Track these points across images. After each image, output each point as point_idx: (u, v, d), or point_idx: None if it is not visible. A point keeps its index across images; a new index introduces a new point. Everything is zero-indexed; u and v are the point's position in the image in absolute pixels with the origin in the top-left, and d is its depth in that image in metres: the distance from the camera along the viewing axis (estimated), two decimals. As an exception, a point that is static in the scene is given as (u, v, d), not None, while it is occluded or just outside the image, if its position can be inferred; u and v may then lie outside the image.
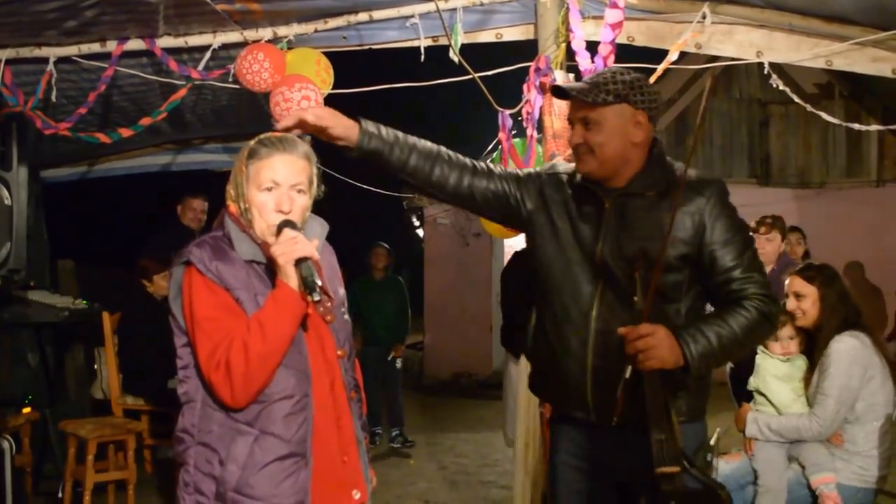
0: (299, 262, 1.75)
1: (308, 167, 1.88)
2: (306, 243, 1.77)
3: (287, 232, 1.78)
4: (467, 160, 2.13)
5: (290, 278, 1.76)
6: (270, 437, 1.77)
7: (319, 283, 1.76)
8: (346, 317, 2.00)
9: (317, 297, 1.74)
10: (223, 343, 1.74)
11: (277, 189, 1.83)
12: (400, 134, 2.06)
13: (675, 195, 1.92)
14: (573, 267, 2.04)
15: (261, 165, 1.83)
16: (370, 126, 2.00)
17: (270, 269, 1.82)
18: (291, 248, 1.75)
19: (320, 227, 1.96)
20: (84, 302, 4.65)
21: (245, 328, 1.74)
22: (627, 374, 1.89)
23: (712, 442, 1.99)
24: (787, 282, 3.27)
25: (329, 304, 1.89)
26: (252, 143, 1.87)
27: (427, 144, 2.09)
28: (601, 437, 2.06)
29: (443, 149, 2.11)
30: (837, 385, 2.99)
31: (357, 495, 1.91)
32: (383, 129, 2.03)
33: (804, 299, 3.16)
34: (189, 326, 1.80)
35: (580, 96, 1.97)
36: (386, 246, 6.65)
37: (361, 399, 2.05)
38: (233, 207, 1.88)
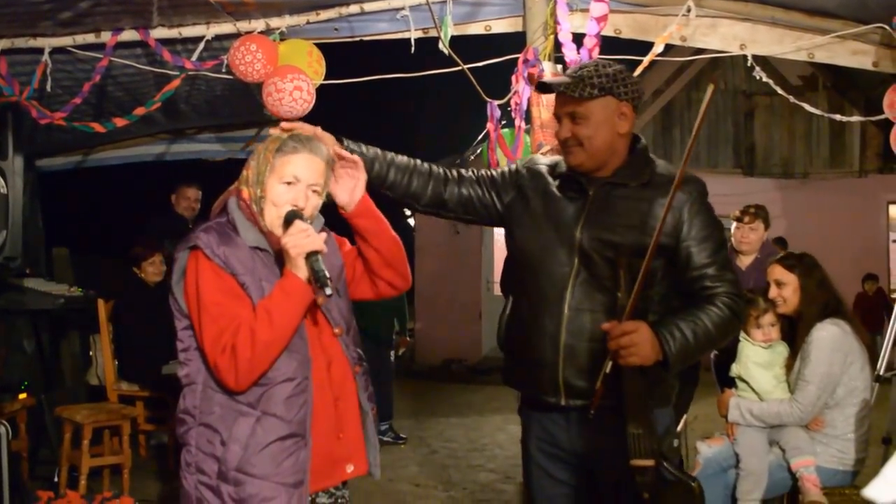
0: (309, 256, 1.80)
1: (326, 172, 1.94)
2: (316, 237, 1.82)
3: (298, 224, 1.82)
4: (441, 170, 2.20)
5: (300, 269, 1.80)
6: (272, 418, 1.81)
7: (330, 276, 1.80)
8: (339, 293, 2.00)
9: (329, 292, 1.79)
10: (230, 328, 1.77)
11: (297, 185, 1.88)
12: (378, 150, 2.14)
13: (669, 194, 1.93)
14: (550, 249, 2.08)
15: (286, 160, 1.88)
16: (352, 146, 2.07)
17: (274, 256, 1.87)
18: (303, 240, 1.79)
19: (318, 221, 1.98)
20: (79, 289, 4.69)
21: (251, 314, 1.78)
22: (608, 369, 1.92)
23: (679, 428, 2.04)
24: (767, 270, 3.34)
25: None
26: (283, 136, 1.92)
27: (403, 158, 2.18)
28: (571, 422, 2.09)
29: (418, 161, 2.20)
30: (819, 372, 3.05)
31: (350, 468, 1.96)
32: (363, 147, 2.10)
33: (785, 287, 3.22)
34: (194, 310, 1.83)
35: (567, 91, 2.02)
36: None
37: (367, 371, 2.07)
38: (245, 192, 1.91)
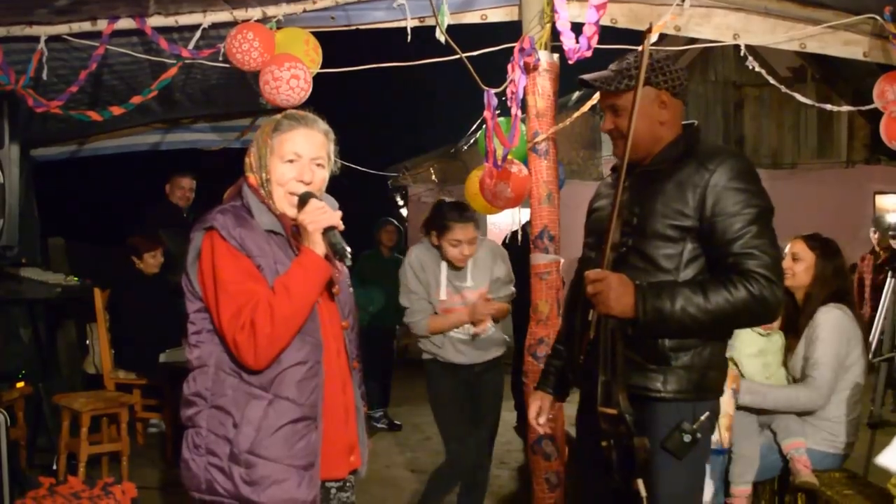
0: (326, 231, 1.84)
1: (327, 143, 1.97)
2: (332, 213, 1.86)
3: (314, 202, 1.86)
4: None
5: (317, 245, 1.84)
6: (284, 401, 1.83)
7: (349, 249, 1.84)
8: (351, 290, 2.08)
9: (349, 263, 1.85)
10: (248, 304, 1.79)
11: (299, 161, 1.91)
12: None
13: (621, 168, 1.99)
14: (589, 239, 2.22)
15: (284, 138, 1.91)
16: None
17: (288, 240, 1.90)
18: (320, 216, 1.83)
19: (330, 204, 2.01)
20: (75, 279, 4.68)
21: (269, 292, 1.80)
22: (590, 317, 1.99)
23: (695, 426, 1.97)
24: (788, 244, 3.29)
25: (337, 276, 1.98)
26: (277, 116, 1.95)
27: None
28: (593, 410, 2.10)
29: None
30: (830, 353, 3.06)
31: (352, 459, 2.01)
32: None
33: (799, 262, 3.22)
34: (210, 290, 1.84)
35: (604, 86, 2.06)
36: (395, 223, 6.42)
37: (361, 370, 2.12)
38: (252, 178, 1.94)
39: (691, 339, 1.99)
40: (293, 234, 1.90)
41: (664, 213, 1.99)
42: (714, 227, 1.95)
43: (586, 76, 2.14)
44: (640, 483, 1.90)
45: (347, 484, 2.04)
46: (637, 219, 2.02)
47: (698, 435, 1.97)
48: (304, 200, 1.88)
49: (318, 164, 1.95)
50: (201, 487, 1.86)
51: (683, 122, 2.14)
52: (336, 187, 2.08)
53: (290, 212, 1.91)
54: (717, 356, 2.05)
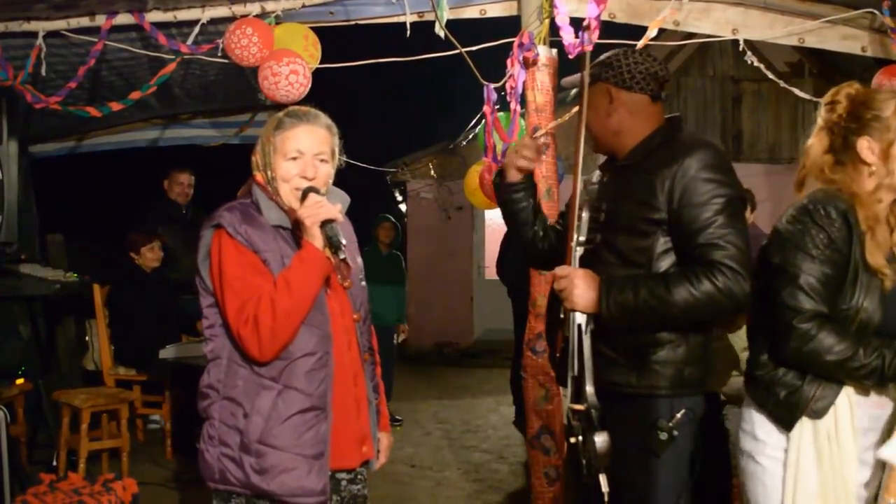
0: (324, 224, 1.86)
1: (330, 138, 2.00)
2: (331, 207, 1.89)
3: (313, 196, 1.89)
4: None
5: (316, 238, 1.87)
6: (293, 392, 1.87)
7: (345, 242, 1.87)
8: (363, 283, 2.11)
9: (342, 256, 1.87)
10: (252, 300, 1.83)
11: (302, 158, 1.95)
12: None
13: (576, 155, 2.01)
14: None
15: (286, 136, 1.95)
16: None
17: (296, 234, 1.93)
18: (317, 210, 1.86)
19: (340, 198, 2.06)
20: (74, 275, 4.69)
21: (272, 287, 1.84)
22: (562, 314, 2.01)
23: (671, 423, 1.96)
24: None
25: (348, 270, 2.00)
26: (279, 114, 1.99)
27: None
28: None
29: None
30: None
31: (364, 450, 2.04)
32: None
33: None
34: (217, 286, 1.89)
35: (566, 85, 2.19)
36: (393, 220, 6.45)
37: (375, 362, 2.17)
38: (259, 177, 1.98)
39: (666, 334, 1.97)
40: (295, 227, 1.93)
41: (634, 207, 2.00)
42: (681, 217, 1.93)
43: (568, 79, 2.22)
44: (603, 478, 1.89)
45: (359, 476, 2.07)
46: (605, 214, 2.05)
47: (675, 433, 1.95)
48: (304, 195, 1.91)
49: (322, 160, 1.98)
50: (215, 477, 1.91)
51: (667, 116, 2.14)
52: (337, 183, 2.10)
53: (297, 205, 1.94)
54: (695, 352, 2.00)
